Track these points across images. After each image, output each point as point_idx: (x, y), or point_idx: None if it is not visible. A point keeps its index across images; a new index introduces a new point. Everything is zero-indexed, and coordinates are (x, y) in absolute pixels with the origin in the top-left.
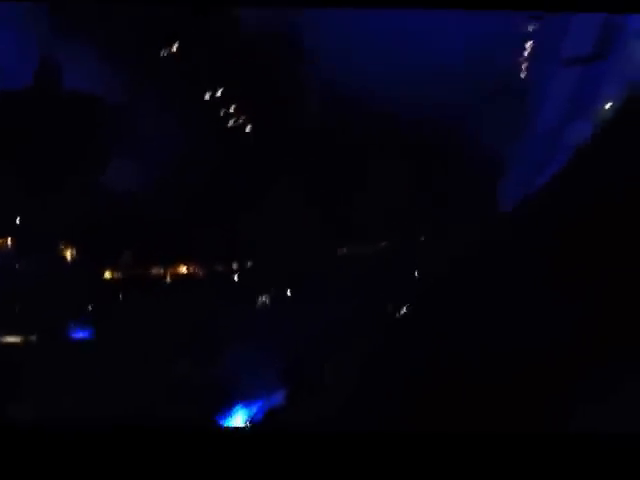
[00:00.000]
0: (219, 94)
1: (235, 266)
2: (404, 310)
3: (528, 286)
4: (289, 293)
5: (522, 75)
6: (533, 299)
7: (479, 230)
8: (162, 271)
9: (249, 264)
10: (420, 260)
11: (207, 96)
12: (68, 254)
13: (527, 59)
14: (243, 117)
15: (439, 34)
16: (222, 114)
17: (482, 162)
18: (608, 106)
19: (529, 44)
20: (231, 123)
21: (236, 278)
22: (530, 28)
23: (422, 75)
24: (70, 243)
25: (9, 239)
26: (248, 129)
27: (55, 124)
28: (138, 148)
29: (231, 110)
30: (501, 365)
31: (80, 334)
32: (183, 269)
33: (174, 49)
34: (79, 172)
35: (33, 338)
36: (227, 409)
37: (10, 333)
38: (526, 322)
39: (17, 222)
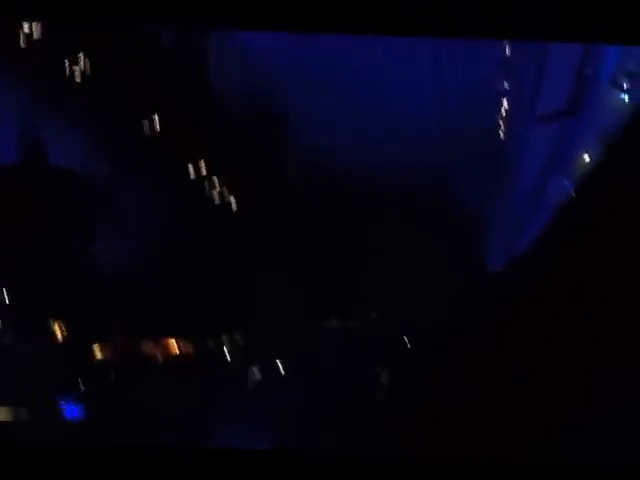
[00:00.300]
0: (202, 168)
1: (225, 340)
2: (397, 379)
3: (519, 345)
4: (281, 369)
5: (499, 133)
6: (523, 358)
7: (466, 293)
8: (152, 346)
9: (238, 338)
10: (409, 327)
11: (191, 170)
12: (57, 330)
13: (503, 117)
14: (227, 191)
15: (414, 97)
16: (206, 188)
17: (465, 225)
18: (586, 160)
19: (504, 102)
20: (215, 197)
21: (226, 352)
22: (504, 85)
23: (399, 140)
24: (58, 319)
25: None
26: (232, 202)
27: (37, 200)
28: (123, 223)
29: (215, 184)
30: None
31: (71, 412)
32: (172, 343)
33: (156, 124)
34: (64, 248)
35: (23, 414)
36: None
37: None
38: (517, 380)
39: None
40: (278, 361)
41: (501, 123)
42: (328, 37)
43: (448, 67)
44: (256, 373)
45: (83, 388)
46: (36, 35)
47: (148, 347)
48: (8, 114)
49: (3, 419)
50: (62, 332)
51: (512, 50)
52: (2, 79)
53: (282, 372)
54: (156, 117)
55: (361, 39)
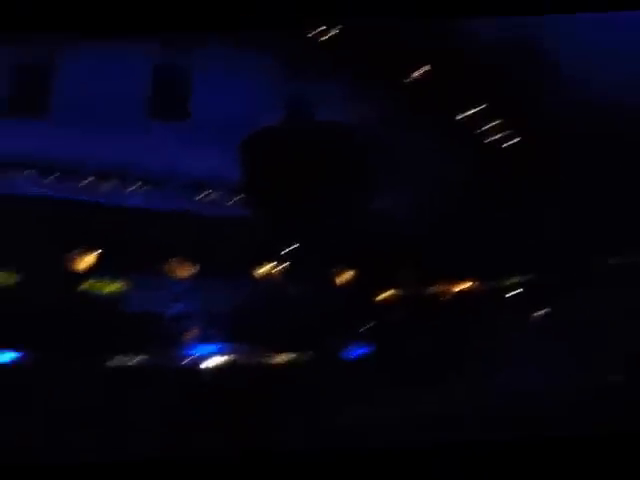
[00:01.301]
0: (472, 111)
1: (516, 280)
2: None
3: None
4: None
5: None
6: None
7: None
8: (441, 288)
9: (524, 279)
10: None
11: (462, 114)
12: (343, 277)
13: None
14: (502, 133)
15: None
16: (478, 130)
17: None
18: None
19: None
20: (491, 139)
21: (510, 295)
22: None
23: None
24: (344, 266)
25: (280, 266)
26: (506, 143)
27: (314, 156)
28: (400, 172)
29: (488, 125)
30: None
31: (357, 352)
32: (462, 285)
33: (420, 73)
34: (346, 199)
35: (307, 356)
36: None
37: (283, 351)
38: None
39: (288, 249)
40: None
41: None
42: None
43: None
44: (544, 314)
45: (368, 331)
46: None
47: (434, 290)
48: (267, 76)
49: (286, 363)
50: (348, 277)
51: None
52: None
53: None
54: (424, 68)
55: None
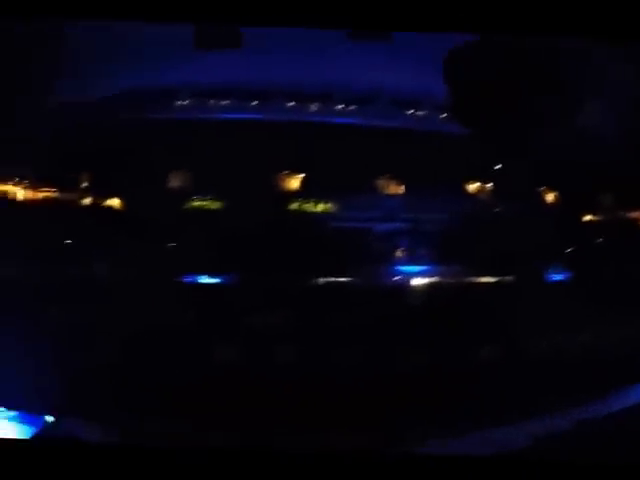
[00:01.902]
0: None
1: None
2: None
3: None
4: None
5: None
6: None
7: None
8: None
9: None
10: None
11: None
12: (548, 197)
13: None
14: None
15: None
16: None
17: None
18: None
19: None
20: None
21: None
22: None
23: None
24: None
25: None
26: None
27: (519, 75)
28: (605, 93)
29: None
30: None
31: (558, 276)
32: None
33: None
34: (552, 118)
35: (509, 278)
36: None
37: (484, 274)
38: None
39: (496, 167)
40: None
41: None
42: None
43: None
44: None
45: (569, 254)
46: None
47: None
48: None
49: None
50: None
51: None
52: None
53: None
54: None
55: None
